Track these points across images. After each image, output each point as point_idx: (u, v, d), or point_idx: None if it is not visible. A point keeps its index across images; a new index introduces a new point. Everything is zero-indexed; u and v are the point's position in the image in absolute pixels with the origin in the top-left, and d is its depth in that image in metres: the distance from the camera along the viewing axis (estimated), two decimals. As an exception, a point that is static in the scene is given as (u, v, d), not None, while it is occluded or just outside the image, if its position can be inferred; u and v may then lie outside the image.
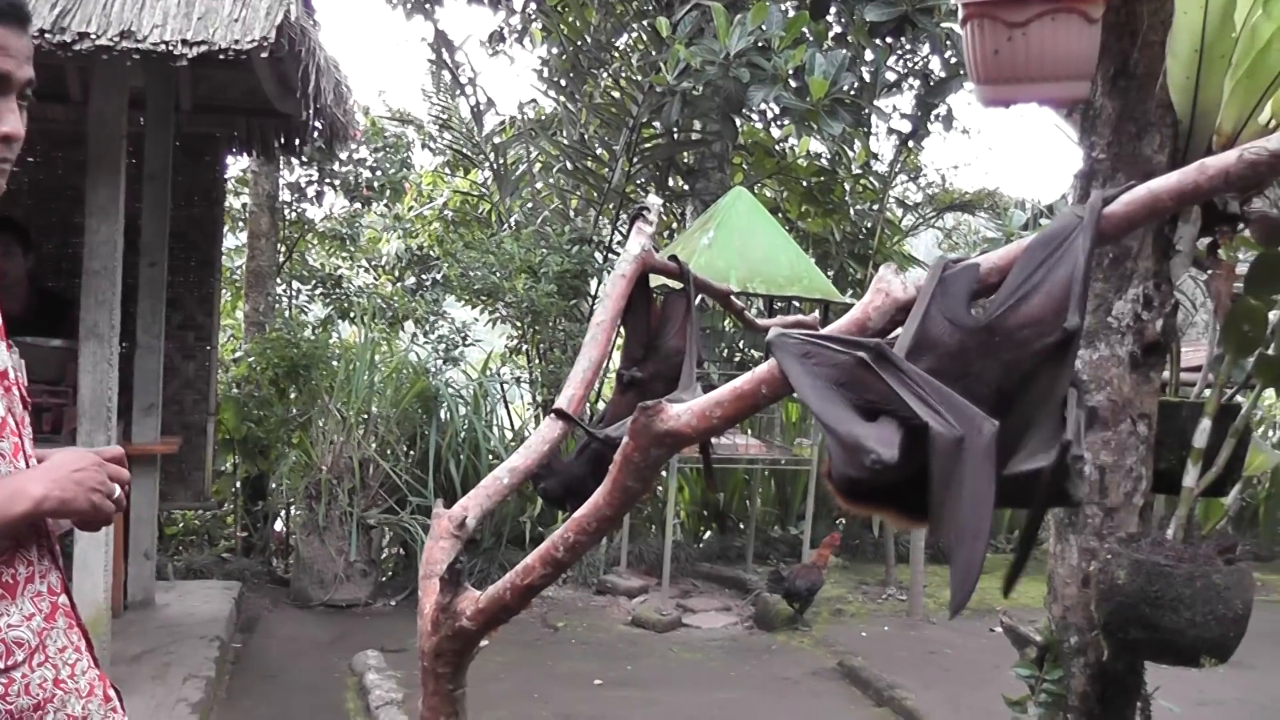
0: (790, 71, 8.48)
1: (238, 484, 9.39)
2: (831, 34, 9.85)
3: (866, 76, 9.48)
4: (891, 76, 10.30)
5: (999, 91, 2.68)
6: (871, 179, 11.52)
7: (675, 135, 10.57)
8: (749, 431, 9.33)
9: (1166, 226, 3.04)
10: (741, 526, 10.34)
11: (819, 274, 8.80)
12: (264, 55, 5.13)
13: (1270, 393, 3.12)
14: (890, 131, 11.04)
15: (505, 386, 10.40)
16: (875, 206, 11.43)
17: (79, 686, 1.99)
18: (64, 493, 1.91)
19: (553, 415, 2.61)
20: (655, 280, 2.88)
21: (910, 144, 11.11)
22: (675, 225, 11.18)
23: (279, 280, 11.53)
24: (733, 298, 3.02)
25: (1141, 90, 2.98)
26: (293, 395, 9.08)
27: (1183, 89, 2.87)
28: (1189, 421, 3.05)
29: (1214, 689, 6.51)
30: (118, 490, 2.01)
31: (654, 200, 2.93)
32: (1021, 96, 2.75)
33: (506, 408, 10.45)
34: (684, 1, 9.61)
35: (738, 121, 10.39)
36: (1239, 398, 3.13)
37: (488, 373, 10.16)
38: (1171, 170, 2.76)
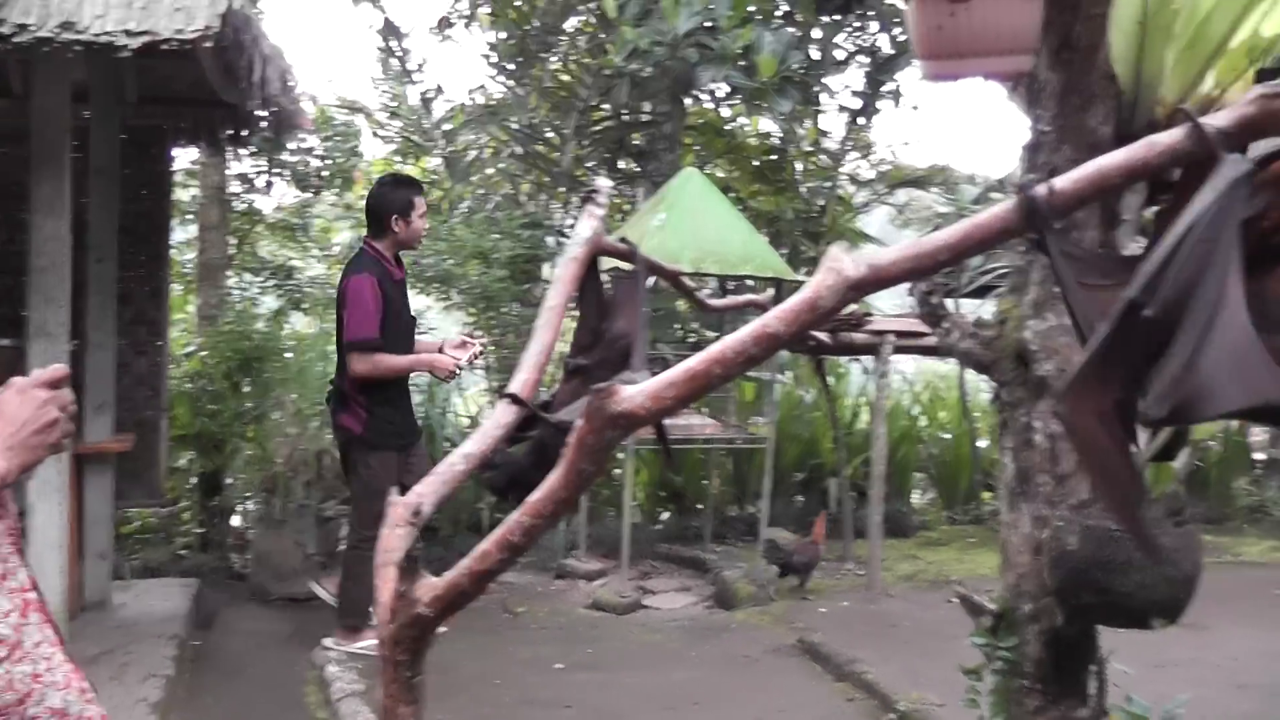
0: (739, 51, 8.49)
1: (193, 480, 9.31)
2: (779, 12, 9.86)
3: (815, 54, 9.50)
4: (841, 54, 10.33)
5: (943, 66, 2.70)
6: (822, 156, 11.55)
7: (624, 117, 10.56)
8: (704, 411, 9.36)
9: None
10: (699, 506, 10.36)
11: (772, 253, 8.82)
12: (208, 45, 5.08)
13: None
14: (841, 109, 11.07)
15: (460, 372, 10.37)
16: (828, 184, 11.46)
17: (56, 679, 1.98)
18: (24, 457, 1.90)
19: (506, 400, 2.62)
20: (608, 263, 2.89)
21: (861, 121, 11.14)
22: (627, 207, 11.18)
23: (230, 273, 11.44)
24: (684, 278, 3.03)
25: (1085, 63, 3.00)
26: (246, 389, 9.02)
27: (1126, 61, 2.90)
28: (1137, 389, 3.08)
29: (1170, 651, 6.58)
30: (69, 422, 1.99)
31: (604, 183, 2.94)
32: (965, 71, 2.77)
33: (461, 394, 10.43)
34: (630, -18, 9.60)
35: (687, 102, 10.39)
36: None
37: (442, 360, 10.12)
38: (1116, 141, 2.79)
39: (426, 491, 2.49)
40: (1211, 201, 1.69)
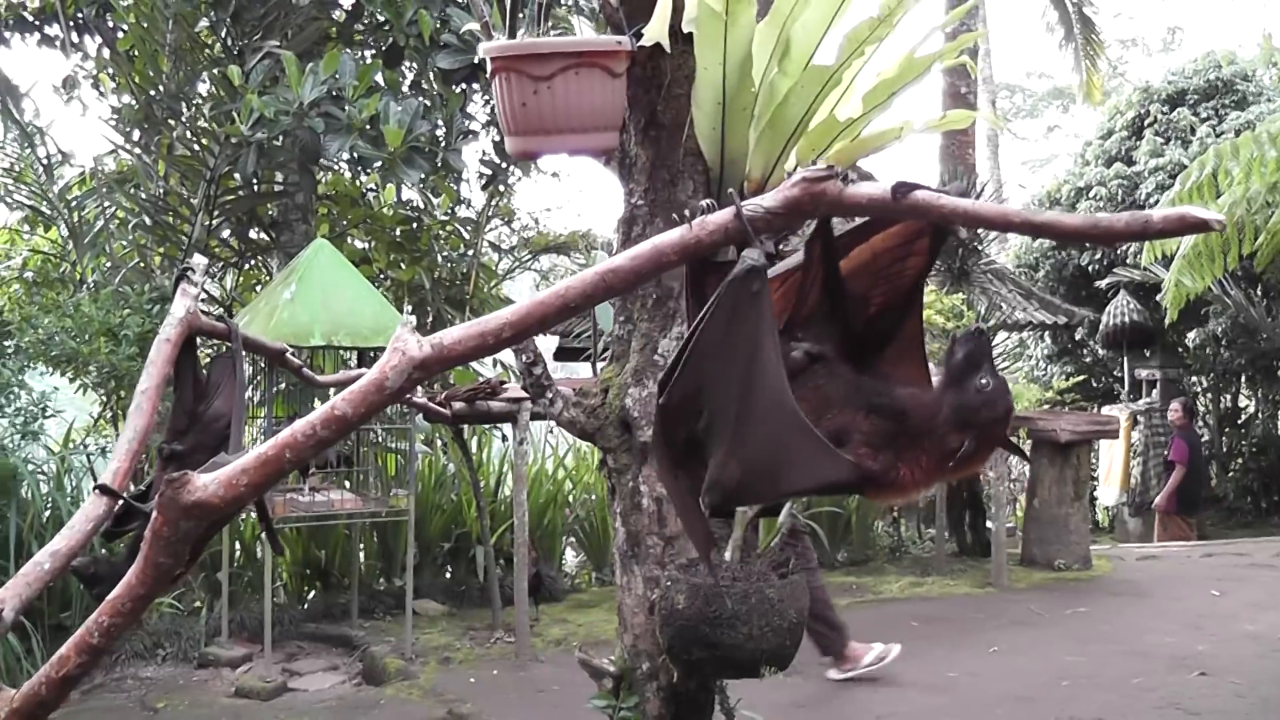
0: (366, 120, 8.44)
1: None
2: (407, 82, 9.88)
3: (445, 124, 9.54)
4: (476, 125, 10.42)
5: (528, 143, 2.76)
6: (459, 225, 11.60)
7: (256, 187, 10.32)
8: (346, 485, 9.19)
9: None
10: (346, 582, 10.15)
11: (406, 323, 8.75)
12: None
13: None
14: (480, 176, 11.15)
15: (92, 458, 9.82)
16: (469, 252, 11.50)
17: None
18: None
19: (96, 491, 2.51)
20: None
21: (500, 188, 11.26)
22: (267, 279, 10.91)
23: None
24: (289, 355, 2.98)
25: (672, 139, 3.15)
26: None
27: (710, 139, 3.05)
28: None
29: (808, 690, 6.85)
30: None
31: (199, 260, 2.86)
32: (550, 148, 2.84)
33: (94, 481, 9.84)
34: (256, 50, 9.41)
35: (322, 171, 10.23)
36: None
37: (71, 445, 9.58)
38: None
39: (9, 595, 2.35)
40: (716, 303, 1.81)
